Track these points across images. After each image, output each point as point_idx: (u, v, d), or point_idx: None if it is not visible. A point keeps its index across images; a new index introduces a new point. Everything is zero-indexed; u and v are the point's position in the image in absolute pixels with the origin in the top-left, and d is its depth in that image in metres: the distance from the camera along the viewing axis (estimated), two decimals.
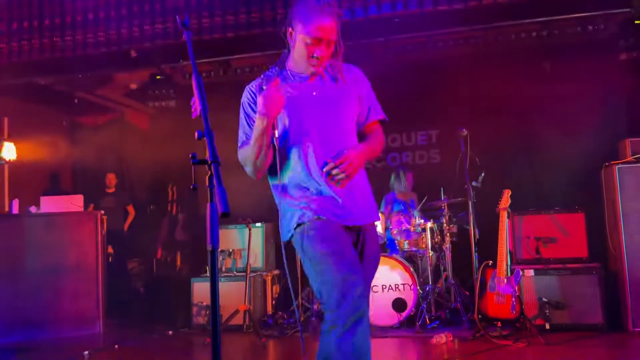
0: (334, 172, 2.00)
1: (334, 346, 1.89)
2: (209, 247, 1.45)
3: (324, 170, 2.02)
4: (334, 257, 1.95)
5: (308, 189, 2.07)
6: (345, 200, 2.07)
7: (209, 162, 1.46)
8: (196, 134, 1.52)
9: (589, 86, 5.72)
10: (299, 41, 2.06)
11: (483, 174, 4.93)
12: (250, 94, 2.14)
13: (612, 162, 4.49)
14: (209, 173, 1.47)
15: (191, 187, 1.48)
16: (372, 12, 4.55)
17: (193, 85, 1.66)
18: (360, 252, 2.11)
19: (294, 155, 2.08)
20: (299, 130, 2.09)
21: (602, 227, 4.81)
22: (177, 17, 1.82)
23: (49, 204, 5.64)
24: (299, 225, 2.05)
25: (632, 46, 4.84)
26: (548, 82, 5.93)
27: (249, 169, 2.11)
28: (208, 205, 1.45)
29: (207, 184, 1.47)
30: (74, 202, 5.65)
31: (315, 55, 2.05)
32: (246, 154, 2.08)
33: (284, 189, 2.10)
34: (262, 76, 2.18)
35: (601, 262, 4.64)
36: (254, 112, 2.06)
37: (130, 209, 6.97)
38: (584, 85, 5.70)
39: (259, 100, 1.96)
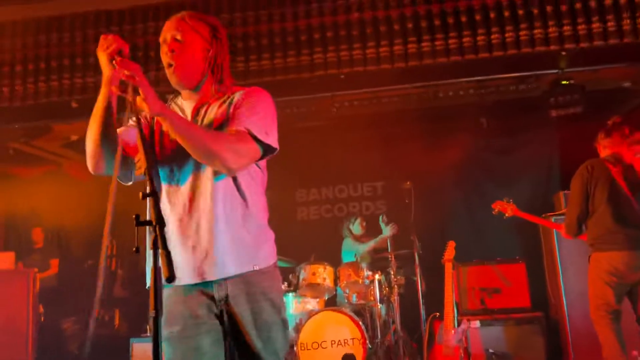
0: None
1: None
2: (152, 314, 1.37)
3: None
4: None
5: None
6: None
7: (154, 224, 1.40)
8: (140, 194, 1.46)
9: (524, 140, 6.04)
10: None
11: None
12: None
13: (549, 214, 4.69)
14: (153, 235, 1.40)
15: (134, 249, 1.41)
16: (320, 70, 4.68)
17: (138, 141, 1.60)
18: None
19: None
20: None
21: (542, 277, 4.96)
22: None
23: None
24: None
25: (561, 104, 5.16)
26: (486, 136, 6.22)
27: None
28: (152, 269, 1.38)
29: (150, 246, 1.40)
30: (4, 260, 5.31)
31: None
32: None
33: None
34: None
35: (543, 310, 4.76)
36: None
37: (54, 263, 6.59)
38: (520, 140, 6.02)
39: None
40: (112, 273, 6.98)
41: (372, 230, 5.83)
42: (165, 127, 1.80)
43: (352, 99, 5.76)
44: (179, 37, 1.87)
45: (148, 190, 1.44)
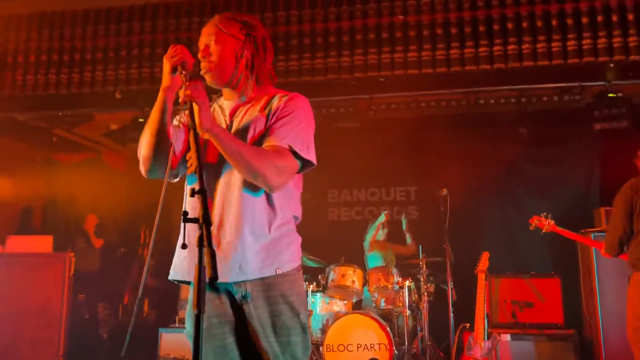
0: None
1: None
2: (195, 311, 1.38)
3: None
4: None
5: None
6: None
7: (200, 222, 1.41)
8: (189, 191, 1.47)
9: (564, 152, 5.89)
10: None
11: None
12: None
13: (588, 230, 4.57)
14: (199, 233, 1.41)
15: (181, 246, 1.43)
16: (359, 71, 4.66)
17: (191, 140, 1.60)
18: None
19: None
20: None
21: (577, 293, 4.83)
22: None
23: (16, 244, 5.44)
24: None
25: (606, 117, 5.01)
26: (525, 146, 6.09)
27: None
28: (196, 266, 1.39)
29: (196, 243, 1.41)
30: (43, 243, 5.45)
31: None
32: None
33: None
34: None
35: (576, 328, 4.65)
36: None
37: (98, 242, 6.76)
38: (560, 152, 5.87)
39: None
40: (144, 261, 7.11)
41: (395, 234, 5.80)
42: (213, 141, 1.78)
43: (390, 101, 5.73)
44: (210, 44, 1.90)
45: (198, 187, 1.45)
